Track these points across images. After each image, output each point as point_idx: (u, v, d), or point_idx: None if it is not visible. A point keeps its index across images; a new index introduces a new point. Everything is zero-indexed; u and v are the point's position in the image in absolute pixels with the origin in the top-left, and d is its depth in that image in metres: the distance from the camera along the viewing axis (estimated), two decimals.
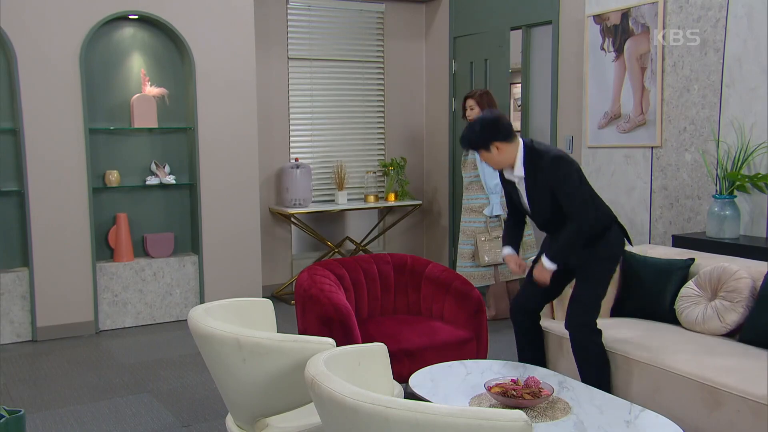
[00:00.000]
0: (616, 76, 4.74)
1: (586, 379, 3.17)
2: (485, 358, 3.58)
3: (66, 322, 4.88)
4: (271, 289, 5.98)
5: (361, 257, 3.92)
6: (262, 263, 5.64)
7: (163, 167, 5.25)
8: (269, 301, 2.92)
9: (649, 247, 3.94)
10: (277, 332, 2.62)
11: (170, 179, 5.25)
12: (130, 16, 4.99)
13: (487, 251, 4.91)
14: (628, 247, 3.54)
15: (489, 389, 2.61)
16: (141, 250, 5.27)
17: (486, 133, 3.17)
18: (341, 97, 6.41)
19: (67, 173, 4.82)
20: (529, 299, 3.42)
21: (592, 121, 4.93)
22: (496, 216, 4.95)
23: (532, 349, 3.52)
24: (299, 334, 3.45)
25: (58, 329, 4.86)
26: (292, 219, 6.05)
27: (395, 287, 3.87)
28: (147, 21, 5.07)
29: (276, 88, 6.05)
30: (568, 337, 3.25)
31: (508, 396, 2.54)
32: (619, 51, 4.70)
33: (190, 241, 5.49)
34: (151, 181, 5.20)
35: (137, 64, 5.13)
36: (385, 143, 6.65)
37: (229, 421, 2.60)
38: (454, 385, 2.84)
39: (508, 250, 3.43)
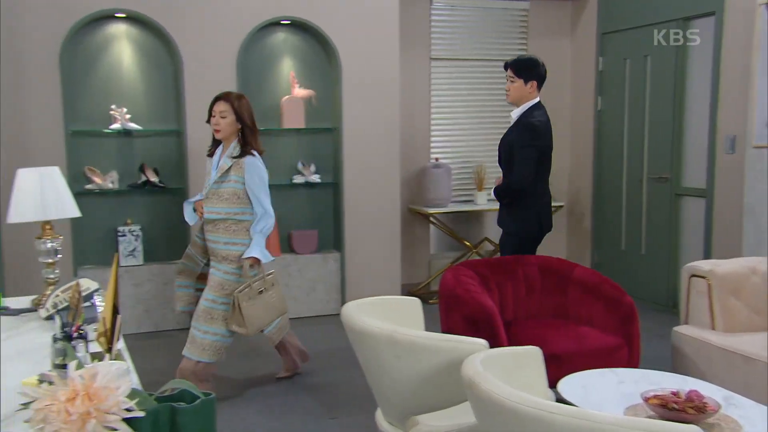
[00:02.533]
0: None
1: None
2: (637, 367, 3.42)
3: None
4: (409, 288, 6.04)
5: (506, 258, 3.86)
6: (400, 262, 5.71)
7: (309, 166, 5.43)
8: (417, 300, 2.94)
9: None
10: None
11: (315, 178, 5.42)
12: (282, 21, 5.21)
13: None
14: None
15: (646, 400, 2.47)
16: (287, 246, 5.49)
17: (538, 70, 3.85)
18: (483, 96, 6.35)
19: None
20: None
21: (760, 119, 4.56)
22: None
23: None
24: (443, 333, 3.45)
25: None
26: (431, 218, 6.07)
27: (541, 290, 3.78)
28: (298, 26, 5.28)
29: (418, 89, 6.10)
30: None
31: (669, 409, 2.40)
32: None
33: (332, 239, 5.65)
34: (298, 179, 5.40)
35: (287, 67, 5.34)
36: None
37: (379, 416, 2.65)
38: (606, 393, 2.73)
39: None
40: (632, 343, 3.41)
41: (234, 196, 3.65)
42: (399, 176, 5.61)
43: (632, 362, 3.40)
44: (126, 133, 4.98)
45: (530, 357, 2.33)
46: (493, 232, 6.50)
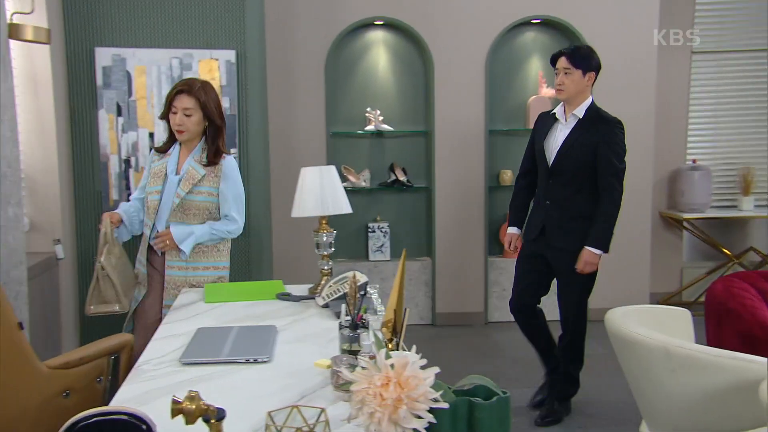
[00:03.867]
0: None
1: None
2: None
3: (460, 311, 5.26)
4: (657, 297, 5.66)
5: None
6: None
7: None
8: (687, 311, 2.73)
9: None
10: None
11: None
12: (533, 21, 5.15)
13: None
14: None
15: None
16: None
17: (597, 59, 3.30)
18: (753, 92, 5.73)
19: (468, 172, 5.17)
20: (523, 294, 3.51)
21: None
22: None
23: (543, 337, 3.61)
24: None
25: (452, 316, 5.26)
26: (686, 224, 5.63)
27: None
28: (547, 24, 5.18)
29: (675, 85, 5.68)
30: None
31: None
32: None
33: None
34: None
35: (535, 67, 5.27)
36: None
37: (645, 430, 2.50)
38: None
39: (515, 230, 3.57)
40: None
41: (206, 212, 2.97)
42: (652, 178, 5.27)
43: None
44: (378, 134, 5.26)
45: None
46: (761, 241, 5.86)
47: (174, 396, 1.24)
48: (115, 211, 3.04)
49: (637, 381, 2.36)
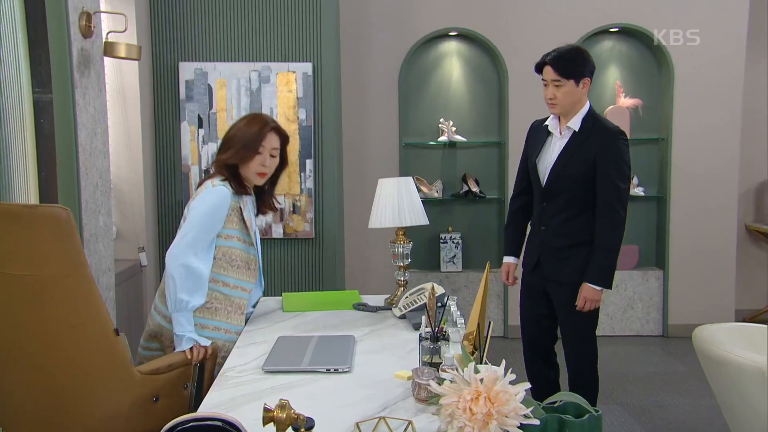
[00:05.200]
0: None
1: None
2: None
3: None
4: (744, 314, 5.42)
5: None
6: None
7: (633, 179, 5.18)
8: None
9: None
10: None
11: (639, 191, 5.15)
12: (611, 29, 5.05)
13: None
14: None
15: None
16: None
17: (589, 61, 2.85)
18: None
19: None
20: (532, 334, 3.10)
21: None
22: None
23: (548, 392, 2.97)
24: None
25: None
26: None
27: None
28: (628, 32, 5.07)
29: (762, 93, 5.46)
30: None
31: None
32: None
33: (654, 255, 5.31)
34: None
35: (612, 76, 5.16)
36: None
37: None
38: None
39: (511, 259, 3.15)
40: None
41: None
42: (736, 190, 5.07)
43: None
44: (451, 144, 5.24)
45: None
46: None
47: (265, 404, 1.25)
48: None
49: (730, 403, 2.26)
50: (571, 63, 2.82)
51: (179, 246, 2.27)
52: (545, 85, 2.89)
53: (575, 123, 2.85)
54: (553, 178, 2.88)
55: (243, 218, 2.43)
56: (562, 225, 2.89)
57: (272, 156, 2.47)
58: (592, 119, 2.86)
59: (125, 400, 1.97)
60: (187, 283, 2.26)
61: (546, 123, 2.99)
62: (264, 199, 2.62)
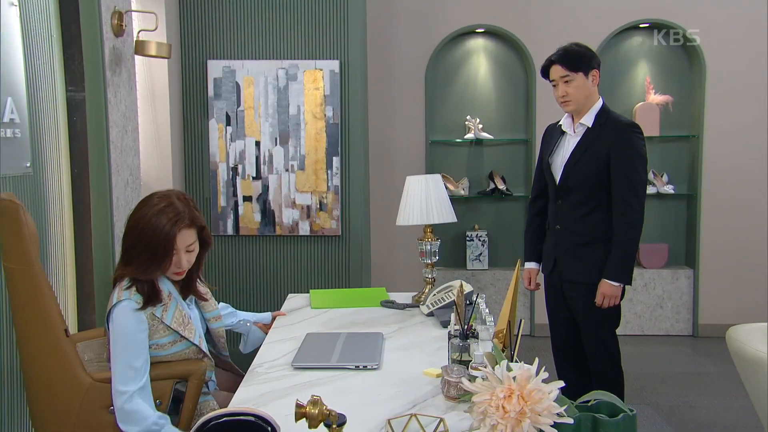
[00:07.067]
0: None
1: None
2: None
3: None
4: None
5: None
6: None
7: (662, 176, 5.11)
8: None
9: None
10: None
11: (668, 189, 5.08)
12: (641, 25, 4.99)
13: None
14: None
15: None
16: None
17: (595, 54, 2.86)
18: None
19: None
20: (559, 338, 3.06)
21: None
22: None
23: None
24: None
25: None
26: None
27: None
28: (657, 27, 5.00)
29: None
30: None
31: None
32: None
33: (684, 254, 5.24)
34: (651, 190, 5.11)
35: (642, 73, 5.10)
36: None
37: None
38: None
39: (533, 265, 3.15)
40: None
41: None
42: (767, 189, 4.98)
43: None
44: (478, 142, 5.21)
45: None
46: None
47: (298, 400, 1.26)
48: None
49: (763, 402, 2.22)
50: (577, 55, 2.83)
51: (113, 387, 1.86)
52: (554, 85, 2.89)
53: (588, 119, 2.84)
54: (567, 175, 2.86)
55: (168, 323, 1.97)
56: (577, 222, 2.86)
57: (189, 251, 2.01)
58: (605, 115, 2.84)
59: (72, 406, 1.86)
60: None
61: (560, 123, 2.99)
62: (186, 284, 2.12)
